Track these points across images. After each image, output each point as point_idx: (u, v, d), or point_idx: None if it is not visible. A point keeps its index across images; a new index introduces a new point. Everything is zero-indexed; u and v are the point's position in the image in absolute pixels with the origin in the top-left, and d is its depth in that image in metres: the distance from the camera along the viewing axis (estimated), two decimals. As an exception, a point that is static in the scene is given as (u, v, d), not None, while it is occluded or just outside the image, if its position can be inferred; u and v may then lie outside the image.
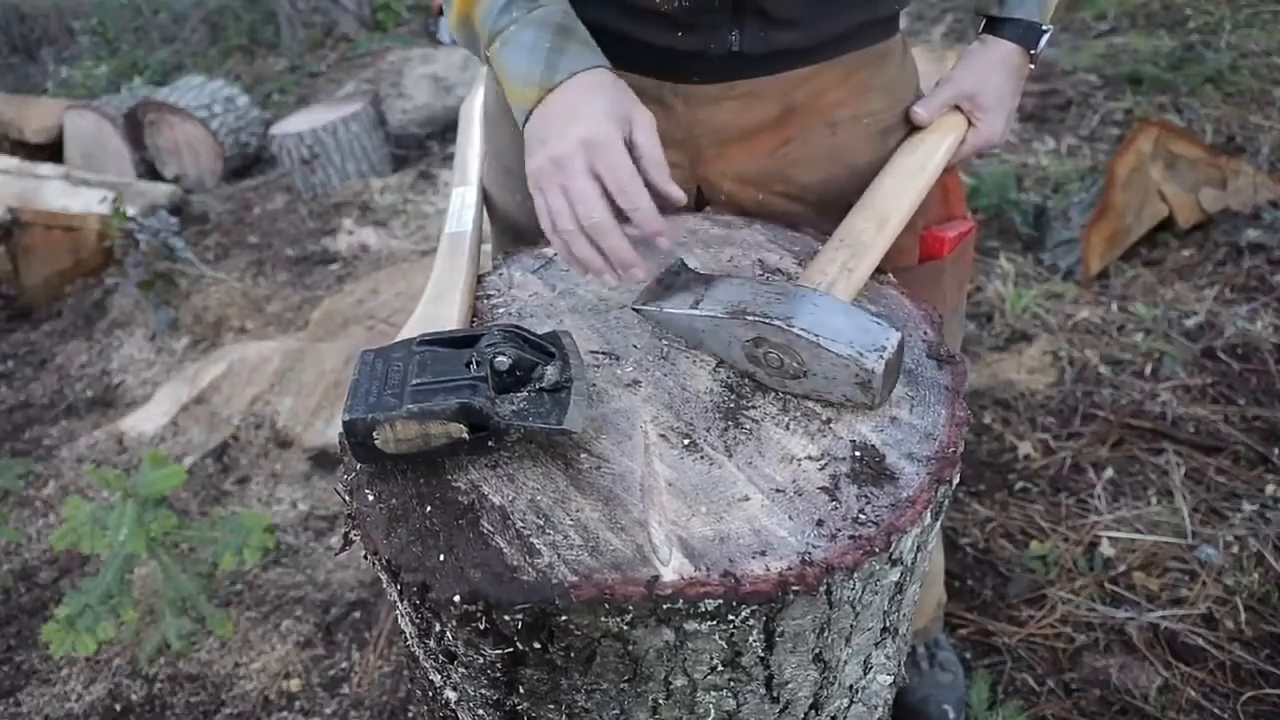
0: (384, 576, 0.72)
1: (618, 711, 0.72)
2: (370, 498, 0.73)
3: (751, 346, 0.78)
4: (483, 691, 0.74)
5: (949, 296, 1.15)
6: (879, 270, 0.96)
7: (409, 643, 0.82)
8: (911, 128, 1.05)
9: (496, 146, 1.15)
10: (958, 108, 1.04)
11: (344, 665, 1.86)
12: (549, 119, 0.83)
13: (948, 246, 1.09)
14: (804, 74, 1.00)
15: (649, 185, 0.82)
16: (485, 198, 1.21)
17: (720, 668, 0.68)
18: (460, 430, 0.70)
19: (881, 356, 0.73)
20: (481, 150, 1.18)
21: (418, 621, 0.72)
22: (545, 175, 0.82)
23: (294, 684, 1.83)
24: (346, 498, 0.75)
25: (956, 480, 0.74)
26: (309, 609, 1.99)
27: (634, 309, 0.85)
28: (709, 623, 0.64)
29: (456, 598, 0.63)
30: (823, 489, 0.70)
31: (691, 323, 0.82)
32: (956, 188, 1.13)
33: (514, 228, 1.15)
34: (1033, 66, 1.05)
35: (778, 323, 0.75)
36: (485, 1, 0.87)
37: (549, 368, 0.74)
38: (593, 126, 0.80)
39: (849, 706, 0.83)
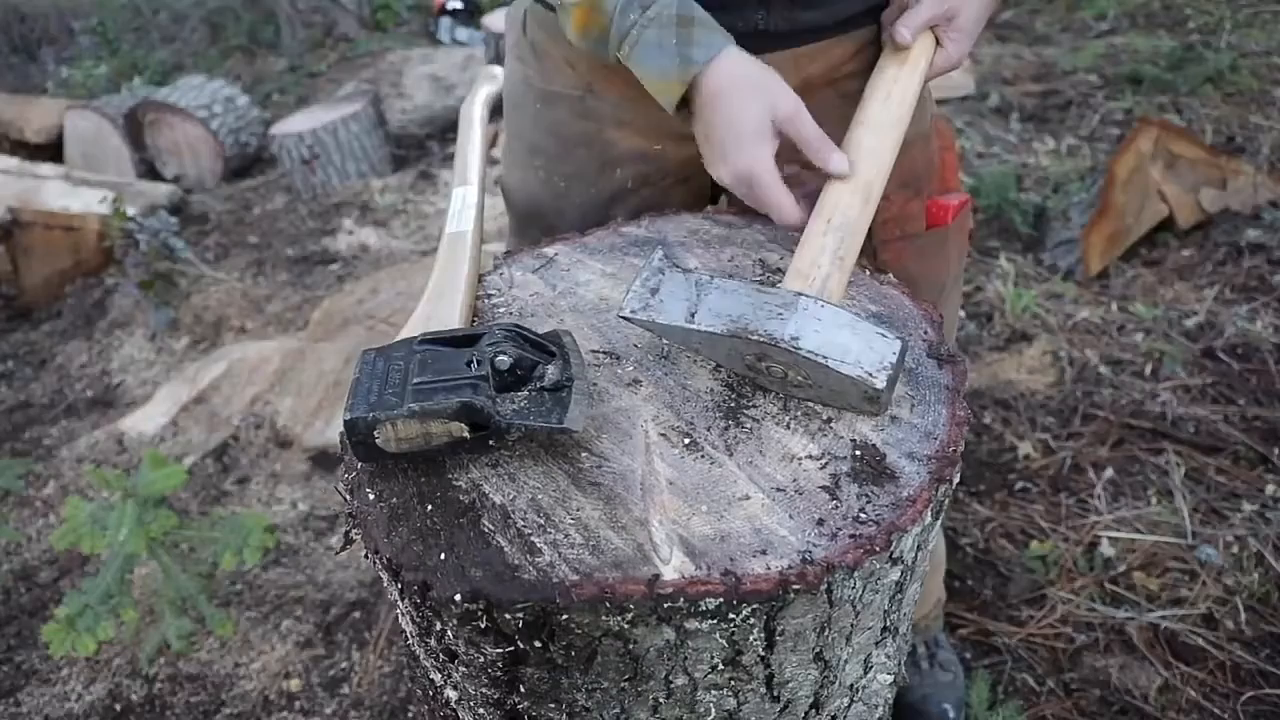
0: (385, 575, 0.72)
1: (618, 710, 0.72)
2: (371, 496, 0.73)
3: (754, 360, 0.77)
4: (483, 691, 0.74)
5: (951, 264, 1.18)
6: (880, 271, 0.96)
7: (409, 642, 0.82)
8: (881, 58, 1.02)
9: (519, 128, 1.17)
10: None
11: (344, 665, 1.86)
12: (711, 124, 0.90)
13: (951, 214, 1.11)
14: (819, 48, 1.03)
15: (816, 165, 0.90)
16: (502, 190, 1.23)
17: (721, 667, 0.68)
18: (461, 429, 0.70)
19: (889, 373, 0.73)
20: (482, 150, 1.18)
21: (418, 620, 0.72)
22: (729, 182, 0.93)
23: (294, 684, 1.83)
24: (347, 497, 0.75)
25: (957, 480, 0.74)
26: (309, 609, 1.99)
27: (622, 317, 0.81)
28: (709, 621, 0.64)
29: (457, 596, 0.63)
30: (823, 488, 0.70)
31: (688, 337, 0.80)
32: (953, 163, 1.17)
33: (536, 208, 1.17)
34: None
35: (784, 345, 0.73)
36: (602, 12, 0.91)
37: (550, 367, 0.74)
38: (745, 160, 0.88)
39: (849, 706, 0.83)
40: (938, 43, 1.00)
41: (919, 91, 0.98)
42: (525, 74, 1.13)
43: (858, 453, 0.73)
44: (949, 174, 1.17)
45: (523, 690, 0.71)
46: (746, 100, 0.88)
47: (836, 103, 1.03)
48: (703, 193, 1.16)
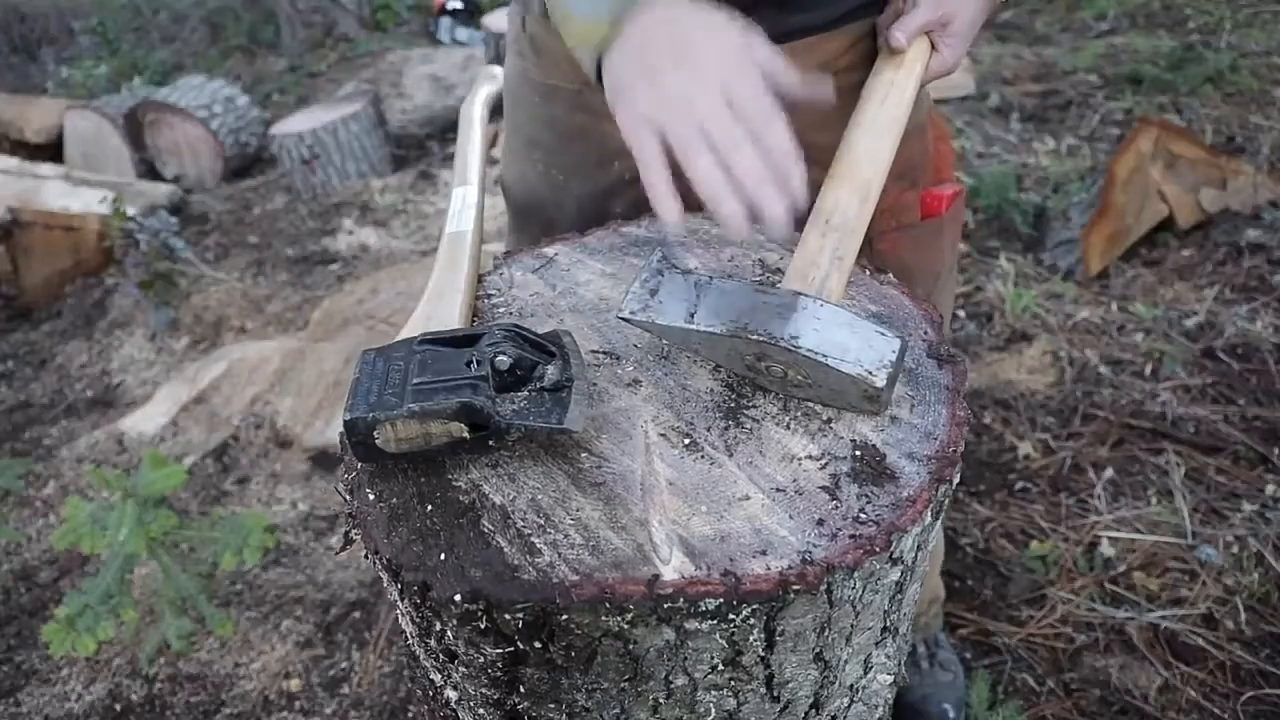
0: (385, 576, 0.72)
1: (618, 711, 0.72)
2: (371, 497, 0.73)
3: (754, 360, 0.77)
4: (483, 691, 0.74)
5: (946, 254, 1.19)
6: (880, 270, 0.96)
7: (409, 642, 0.82)
8: (877, 62, 1.03)
9: (517, 123, 1.17)
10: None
11: (344, 665, 1.86)
12: (647, 51, 0.76)
13: (945, 204, 1.12)
14: (811, 42, 1.02)
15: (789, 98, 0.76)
16: (502, 187, 1.23)
17: (721, 667, 0.68)
18: (461, 429, 0.70)
19: (889, 372, 0.73)
20: (482, 150, 1.19)
21: (418, 621, 0.72)
22: (672, 109, 0.73)
23: (294, 684, 1.83)
24: (347, 497, 0.75)
25: (957, 480, 0.74)
26: (309, 609, 1.99)
27: (622, 318, 0.80)
28: (709, 622, 0.64)
29: (457, 597, 0.63)
30: (823, 488, 0.70)
31: (687, 337, 0.80)
32: (947, 154, 1.18)
33: (535, 202, 1.17)
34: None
35: (783, 344, 0.73)
36: None
37: (549, 367, 0.74)
38: (727, 57, 0.73)
39: (849, 706, 0.83)
40: (933, 47, 1.00)
41: (915, 95, 0.98)
42: (524, 68, 1.14)
43: (858, 453, 0.73)
44: (943, 165, 1.18)
45: (523, 690, 0.71)
46: (714, 16, 0.76)
47: (834, 97, 1.04)
48: None
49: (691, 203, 0.79)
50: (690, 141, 0.72)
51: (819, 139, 1.03)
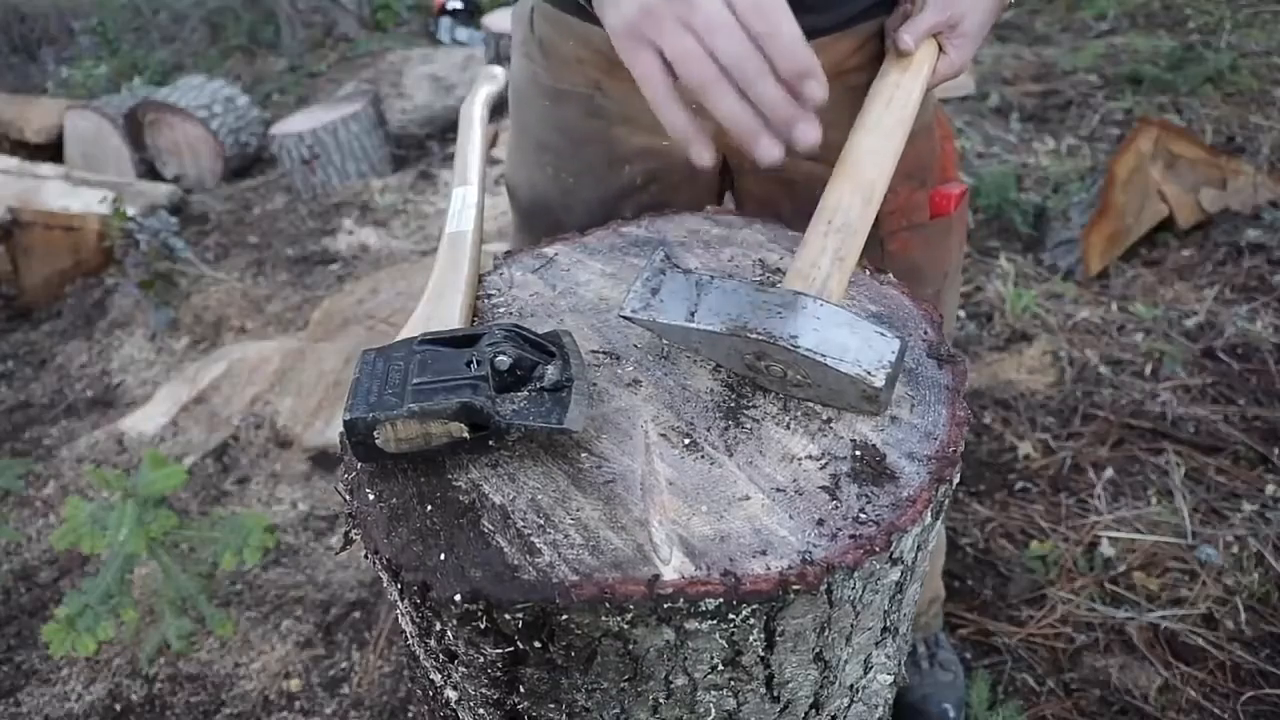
0: (384, 576, 0.72)
1: (618, 711, 0.72)
2: (371, 497, 0.73)
3: (753, 359, 0.77)
4: (483, 691, 0.74)
5: (954, 252, 1.19)
6: (880, 271, 0.96)
7: (409, 642, 0.82)
8: (884, 64, 1.02)
9: (525, 126, 1.17)
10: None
11: (344, 665, 1.86)
12: None
13: (954, 203, 1.13)
14: (820, 43, 1.01)
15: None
16: (508, 190, 1.23)
17: (721, 667, 0.68)
18: (461, 429, 0.70)
19: (888, 372, 0.73)
20: (482, 150, 1.19)
21: (418, 621, 0.72)
22: (657, 14, 0.66)
23: (294, 684, 1.83)
24: (347, 497, 0.75)
25: (957, 480, 0.74)
26: (309, 609, 1.99)
27: (623, 317, 0.81)
28: (709, 622, 0.64)
29: (457, 597, 0.63)
30: (823, 488, 0.70)
31: (687, 335, 0.80)
32: (952, 153, 1.18)
33: (543, 205, 1.17)
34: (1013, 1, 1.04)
35: (782, 343, 0.73)
36: None
37: (549, 367, 0.74)
38: None
39: (849, 706, 0.83)
40: (940, 49, 1.00)
41: (921, 97, 0.98)
42: (533, 71, 1.13)
43: (858, 453, 0.73)
44: (949, 164, 1.18)
45: (523, 690, 0.71)
46: None
47: (843, 96, 1.03)
48: (711, 189, 1.16)
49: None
50: (701, 76, 0.66)
51: (825, 138, 1.03)
